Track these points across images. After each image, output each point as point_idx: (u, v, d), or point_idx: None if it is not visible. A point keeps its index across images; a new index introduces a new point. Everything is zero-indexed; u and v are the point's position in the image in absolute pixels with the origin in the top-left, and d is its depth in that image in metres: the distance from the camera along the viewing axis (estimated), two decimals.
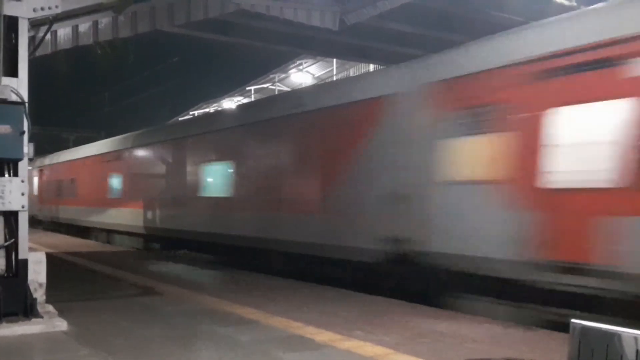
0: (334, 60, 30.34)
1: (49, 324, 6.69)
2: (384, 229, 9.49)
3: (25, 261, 6.90)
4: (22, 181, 6.82)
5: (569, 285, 6.98)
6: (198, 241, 15.73)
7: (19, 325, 6.50)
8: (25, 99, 6.88)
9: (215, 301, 8.62)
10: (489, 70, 8.14)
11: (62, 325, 6.72)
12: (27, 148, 6.85)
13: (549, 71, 7.33)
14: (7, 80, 6.80)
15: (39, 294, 7.14)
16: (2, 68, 6.81)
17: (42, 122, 40.36)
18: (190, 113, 42.96)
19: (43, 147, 34.24)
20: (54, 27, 10.04)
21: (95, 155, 23.70)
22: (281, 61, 33.21)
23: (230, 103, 38.87)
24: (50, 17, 7.65)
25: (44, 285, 7.26)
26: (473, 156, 8.26)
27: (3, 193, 6.65)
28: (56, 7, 7.24)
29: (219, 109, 38.44)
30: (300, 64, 32.81)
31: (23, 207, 6.80)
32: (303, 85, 31.78)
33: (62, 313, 7.18)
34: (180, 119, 41.19)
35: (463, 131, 8.35)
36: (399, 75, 10.10)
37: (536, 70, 7.47)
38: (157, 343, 6.13)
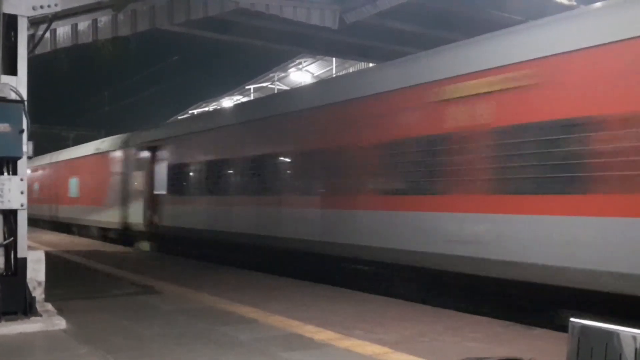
0: (334, 59, 30.33)
1: (48, 322, 6.69)
2: None
3: (25, 260, 6.89)
4: (22, 180, 6.82)
5: None
6: None
7: (18, 323, 6.50)
8: (25, 97, 6.87)
9: (215, 300, 8.62)
10: None
11: (61, 323, 6.72)
12: (27, 146, 6.84)
13: None
14: (6, 79, 6.79)
15: (38, 293, 7.14)
16: (2, 66, 6.80)
17: (42, 120, 40.44)
18: (190, 112, 42.96)
19: (42, 146, 34.25)
20: (54, 25, 10.06)
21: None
22: (281, 60, 33.22)
23: (229, 102, 38.87)
24: (50, 15, 7.66)
25: (43, 284, 7.26)
26: None
27: (2, 191, 6.65)
28: (55, 5, 7.23)
29: (218, 107, 38.44)
30: (300, 63, 32.80)
31: (22, 205, 6.79)
32: (302, 84, 31.74)
33: (61, 311, 7.18)
34: (179, 117, 41.19)
35: None
36: None
37: None
38: (156, 342, 6.13)
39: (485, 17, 17.82)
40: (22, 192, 6.77)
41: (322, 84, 22.23)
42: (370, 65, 23.10)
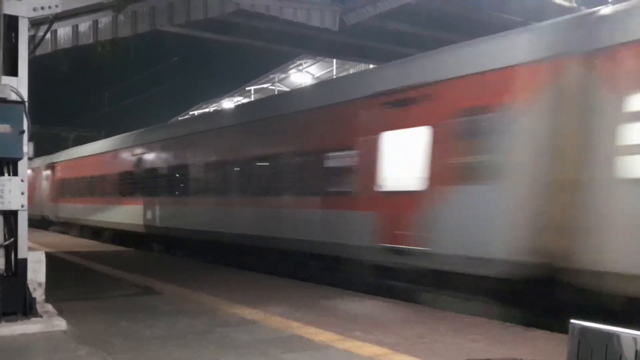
0: (334, 60, 30.34)
1: (48, 323, 6.69)
2: None
3: (25, 260, 6.89)
4: (22, 180, 6.82)
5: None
6: None
7: (18, 324, 6.50)
8: (25, 98, 6.87)
9: (215, 301, 8.62)
10: None
11: (61, 324, 6.72)
12: (27, 147, 6.84)
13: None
14: (7, 80, 6.80)
15: (39, 294, 7.14)
16: (2, 67, 6.80)
17: (42, 121, 40.44)
18: (190, 113, 42.97)
19: (43, 147, 34.24)
20: (54, 26, 10.06)
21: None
22: (281, 61, 33.23)
23: (230, 103, 38.88)
24: (50, 16, 7.65)
25: (44, 285, 7.26)
26: None
27: (3, 192, 6.65)
28: (56, 6, 7.23)
29: (219, 108, 38.45)
30: (300, 64, 32.80)
31: (22, 206, 6.79)
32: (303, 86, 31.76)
33: (61, 312, 7.18)
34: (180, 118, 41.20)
35: None
36: None
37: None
38: (156, 343, 6.13)
39: (485, 18, 17.85)
40: (22, 193, 6.77)
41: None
42: (371, 66, 23.12)
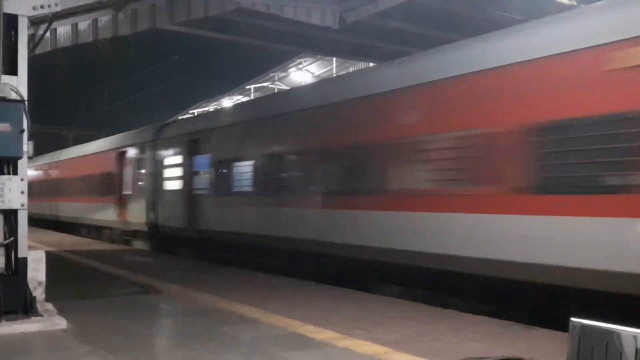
0: (334, 58, 30.33)
1: (49, 322, 6.69)
2: None
3: (25, 259, 6.89)
4: (22, 179, 6.82)
5: None
6: None
7: (18, 323, 6.51)
8: (25, 97, 6.87)
9: (215, 299, 8.62)
10: None
11: (61, 323, 6.72)
12: (27, 146, 6.84)
13: None
14: (6, 79, 6.79)
15: (39, 292, 7.14)
16: (2, 66, 6.80)
17: (42, 120, 40.44)
18: (190, 111, 42.98)
19: (42, 145, 34.26)
20: (54, 25, 10.05)
21: None
22: (281, 60, 33.24)
23: (230, 101, 38.89)
24: (50, 15, 7.65)
25: (44, 284, 7.26)
26: None
27: (3, 191, 6.65)
28: (56, 4, 7.23)
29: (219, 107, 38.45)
30: (300, 63, 32.82)
31: (23, 205, 6.80)
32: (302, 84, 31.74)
33: (61, 311, 7.18)
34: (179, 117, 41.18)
35: None
36: None
37: None
38: (156, 341, 6.14)
39: (485, 16, 17.84)
40: (22, 192, 6.77)
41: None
42: (371, 64, 23.09)
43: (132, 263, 13.53)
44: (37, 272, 7.14)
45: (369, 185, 9.89)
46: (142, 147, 18.73)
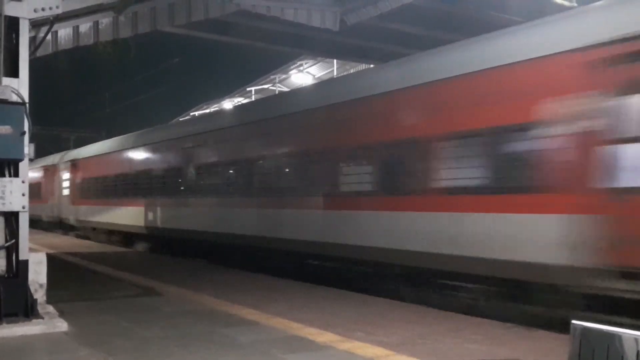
0: (335, 60, 30.33)
1: (50, 324, 6.69)
2: None
3: (26, 262, 6.90)
4: (23, 182, 6.82)
5: None
6: None
7: (19, 325, 6.51)
8: (26, 99, 6.88)
9: (216, 301, 8.62)
10: None
11: (62, 325, 6.72)
12: (28, 148, 6.85)
13: None
14: (7, 81, 6.81)
15: (40, 295, 7.14)
16: (3, 68, 6.81)
17: (43, 122, 40.44)
18: (191, 113, 42.99)
19: (44, 147, 34.27)
20: (55, 27, 10.03)
21: None
22: (282, 62, 33.24)
23: (230, 104, 38.89)
24: (51, 18, 7.66)
25: (45, 286, 7.27)
26: None
27: (4, 194, 6.66)
28: (57, 7, 7.25)
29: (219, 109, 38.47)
30: (301, 65, 32.79)
31: (24, 207, 6.80)
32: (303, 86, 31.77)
33: (62, 314, 7.18)
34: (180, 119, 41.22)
35: None
36: None
37: None
38: (157, 343, 6.13)
39: (485, 18, 17.83)
40: (23, 194, 6.77)
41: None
42: (372, 66, 23.10)
43: (133, 265, 13.52)
44: (38, 274, 7.15)
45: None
46: None
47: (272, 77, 35.55)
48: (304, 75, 33.87)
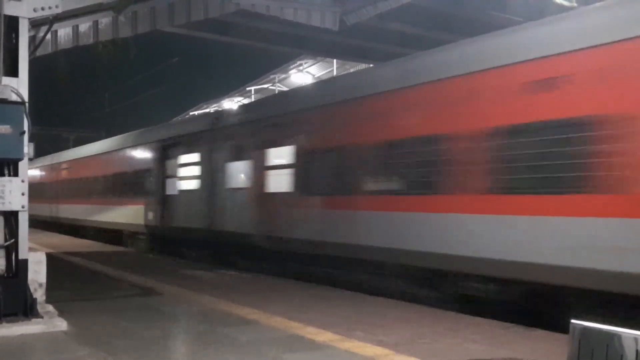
0: (334, 60, 30.35)
1: (49, 324, 6.69)
2: None
3: (25, 261, 6.90)
4: (23, 181, 6.83)
5: None
6: None
7: (19, 325, 6.50)
8: (26, 98, 6.88)
9: (215, 301, 8.62)
10: None
11: (62, 325, 6.72)
12: (27, 148, 6.85)
13: None
14: (7, 80, 6.80)
15: (39, 294, 7.14)
16: (3, 68, 6.80)
17: (43, 122, 40.46)
18: (191, 113, 43.00)
19: (43, 147, 34.25)
20: (54, 27, 10.05)
21: None
22: (281, 61, 33.28)
23: (230, 103, 38.90)
24: (51, 17, 7.65)
25: (44, 285, 7.26)
26: None
27: (3, 193, 6.66)
28: (56, 7, 7.24)
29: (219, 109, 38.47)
30: (301, 65, 32.82)
31: (23, 207, 6.80)
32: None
33: (62, 313, 7.18)
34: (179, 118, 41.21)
35: None
36: None
37: None
38: (157, 343, 6.13)
39: (485, 18, 17.84)
40: (23, 194, 6.77)
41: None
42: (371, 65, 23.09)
43: (133, 264, 13.51)
44: (37, 274, 7.14)
45: None
46: None
47: (271, 76, 35.57)
48: (304, 75, 33.89)
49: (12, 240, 6.82)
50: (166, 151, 17.06)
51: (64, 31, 12.22)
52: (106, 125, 45.17)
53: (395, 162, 9.38)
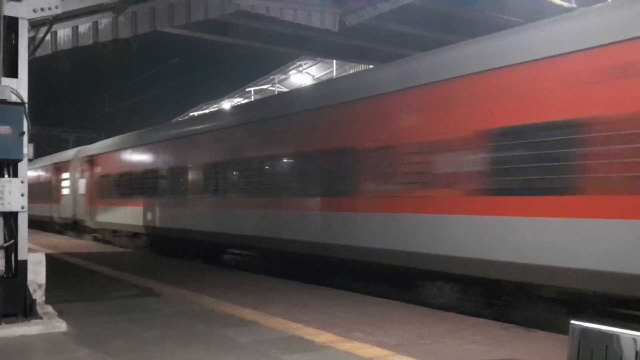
0: (334, 61, 30.35)
1: (48, 324, 6.69)
2: None
3: (25, 262, 6.90)
4: (22, 182, 6.83)
5: None
6: None
7: (18, 326, 6.50)
8: (25, 99, 6.88)
9: (215, 302, 8.62)
10: None
11: (61, 326, 6.72)
12: (27, 149, 6.85)
13: None
14: (7, 81, 6.80)
15: (39, 295, 7.14)
16: (2, 69, 6.81)
17: (42, 122, 40.45)
18: (190, 114, 43.00)
19: (43, 148, 34.25)
20: (54, 27, 10.04)
21: None
22: (281, 62, 33.26)
23: (230, 104, 38.90)
24: (50, 18, 7.66)
25: (44, 286, 7.26)
26: None
27: (3, 194, 6.66)
28: (56, 7, 7.24)
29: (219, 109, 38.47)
30: (300, 65, 32.81)
31: (23, 207, 6.80)
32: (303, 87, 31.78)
33: (61, 314, 7.18)
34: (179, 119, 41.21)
35: None
36: None
37: None
38: (156, 344, 6.13)
39: (485, 19, 17.84)
40: (22, 195, 6.77)
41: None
42: (371, 67, 23.11)
43: (132, 265, 13.51)
44: (37, 274, 7.14)
45: None
46: None
47: (271, 77, 35.56)
48: (303, 75, 33.88)
49: (12, 241, 6.82)
50: None
51: (63, 32, 12.21)
52: (106, 125, 45.19)
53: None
